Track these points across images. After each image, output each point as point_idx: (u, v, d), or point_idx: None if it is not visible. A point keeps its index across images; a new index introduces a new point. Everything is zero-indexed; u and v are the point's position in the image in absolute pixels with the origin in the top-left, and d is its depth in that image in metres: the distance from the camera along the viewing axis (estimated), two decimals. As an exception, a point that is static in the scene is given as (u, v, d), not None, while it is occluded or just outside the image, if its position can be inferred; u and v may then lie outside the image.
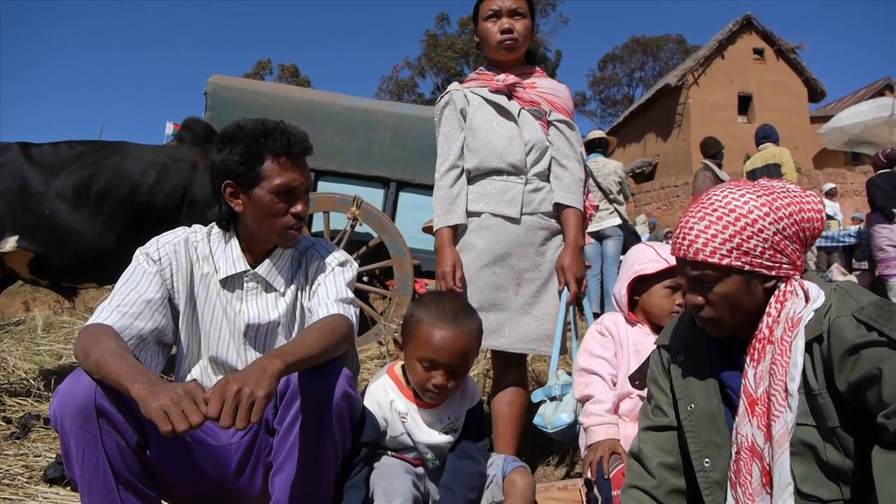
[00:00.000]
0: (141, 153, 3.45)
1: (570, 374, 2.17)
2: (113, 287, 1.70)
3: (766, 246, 1.31)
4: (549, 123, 2.36)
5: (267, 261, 1.76)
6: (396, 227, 4.55)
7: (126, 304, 1.59)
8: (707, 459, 1.41)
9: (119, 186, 3.29)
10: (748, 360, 1.34)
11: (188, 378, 1.75)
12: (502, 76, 2.36)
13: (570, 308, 2.26)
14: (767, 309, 1.33)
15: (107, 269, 3.37)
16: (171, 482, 1.59)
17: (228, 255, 1.75)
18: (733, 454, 1.33)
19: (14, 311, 7.96)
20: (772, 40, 22.55)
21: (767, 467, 1.25)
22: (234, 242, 1.75)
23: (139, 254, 1.71)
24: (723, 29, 22.60)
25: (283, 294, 1.77)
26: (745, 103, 22.33)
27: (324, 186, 4.75)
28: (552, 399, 2.11)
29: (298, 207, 1.70)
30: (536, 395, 2.17)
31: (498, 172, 2.31)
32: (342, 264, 1.80)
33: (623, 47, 38.32)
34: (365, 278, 4.75)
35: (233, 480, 1.68)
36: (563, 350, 2.24)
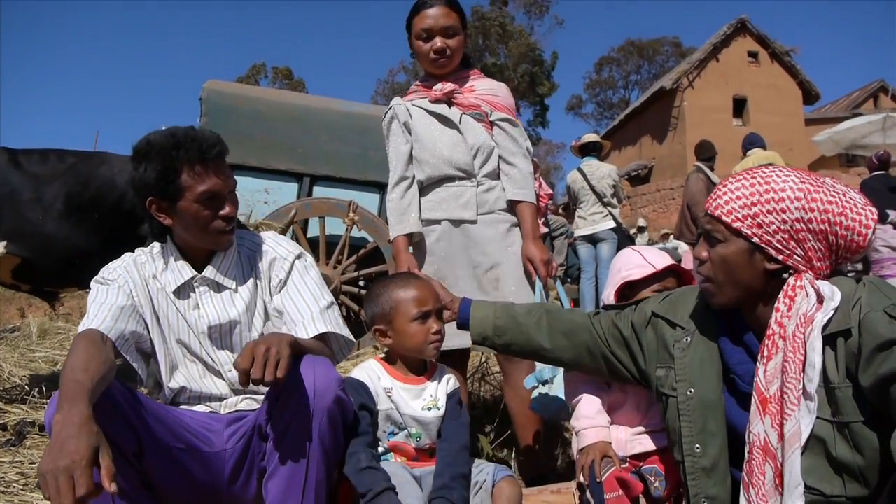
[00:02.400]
0: (125, 164, 3.50)
1: None
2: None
3: (783, 228, 1.29)
4: (492, 124, 2.42)
5: (211, 264, 1.78)
6: (392, 231, 4.55)
7: (102, 310, 1.63)
8: (698, 446, 1.41)
9: (108, 195, 3.38)
10: (759, 357, 1.32)
11: (175, 385, 1.77)
12: (440, 85, 2.42)
13: (545, 294, 2.32)
14: (776, 304, 1.31)
15: (89, 274, 3.44)
16: (167, 490, 1.60)
17: (173, 268, 1.77)
18: (746, 454, 1.32)
19: (9, 318, 7.95)
20: (766, 43, 22.61)
21: (780, 467, 1.24)
22: (176, 254, 1.78)
23: (94, 283, 1.75)
24: (717, 32, 22.67)
25: (237, 291, 1.79)
26: (739, 106, 22.39)
27: (319, 191, 4.76)
28: (544, 383, 2.13)
29: (226, 210, 1.71)
30: (528, 382, 2.19)
31: (449, 179, 2.38)
32: (299, 257, 1.84)
33: (619, 50, 38.45)
34: (361, 282, 4.76)
35: (227, 487, 1.69)
36: None
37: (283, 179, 4.75)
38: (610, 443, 1.80)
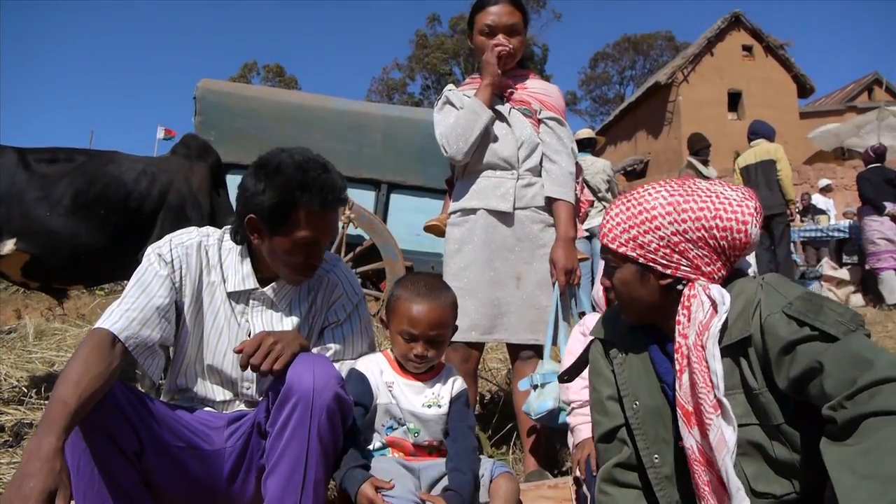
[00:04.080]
0: (133, 163, 3.62)
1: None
2: (99, 290, 1.71)
3: (662, 244, 1.32)
4: (540, 121, 2.41)
5: (275, 283, 1.76)
6: (388, 228, 4.56)
7: (135, 308, 1.57)
8: (656, 456, 1.41)
9: (115, 193, 3.45)
10: (676, 371, 1.33)
11: (182, 383, 1.76)
12: None
13: (570, 300, 2.31)
14: (677, 317, 1.33)
15: (96, 271, 3.56)
16: (166, 489, 1.60)
17: (238, 270, 1.75)
18: (689, 466, 1.32)
19: (6, 319, 7.91)
20: (760, 37, 22.62)
21: (718, 472, 1.24)
22: (247, 259, 1.75)
23: (152, 253, 1.69)
24: (712, 26, 22.67)
25: (290, 314, 1.78)
26: (734, 100, 22.40)
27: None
28: (535, 388, 2.16)
29: (315, 260, 1.69)
30: (522, 385, 2.23)
31: (491, 168, 2.38)
32: (361, 302, 1.87)
33: (614, 45, 38.47)
34: (357, 280, 4.76)
35: (226, 486, 1.69)
36: (555, 341, 2.28)
37: (278, 178, 4.75)
38: (606, 437, 1.81)
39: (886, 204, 7.21)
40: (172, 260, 1.68)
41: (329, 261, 1.86)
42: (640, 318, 1.44)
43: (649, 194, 1.36)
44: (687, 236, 1.31)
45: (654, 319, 1.43)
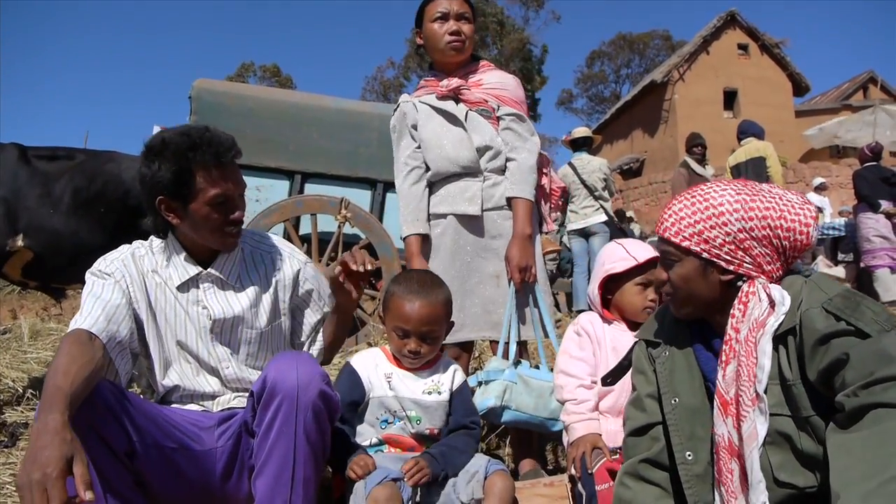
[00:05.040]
0: (132, 162, 3.64)
1: (535, 365, 2.24)
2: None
3: (728, 240, 1.35)
4: (499, 119, 2.40)
5: (216, 261, 1.79)
6: (384, 227, 4.55)
7: (96, 308, 1.60)
8: (689, 453, 1.43)
9: (114, 190, 3.49)
10: (720, 362, 1.37)
11: (168, 383, 1.76)
12: (446, 81, 2.40)
13: (527, 298, 2.32)
14: (732, 311, 1.36)
15: None
16: (160, 489, 1.59)
17: (177, 264, 1.77)
18: (714, 454, 1.36)
19: (1, 319, 7.90)
20: (756, 36, 22.66)
21: (744, 463, 1.28)
22: (179, 250, 1.77)
23: (89, 275, 1.72)
24: (707, 25, 22.72)
25: (243, 289, 1.79)
26: (730, 98, 22.44)
27: (310, 188, 4.75)
28: (480, 384, 2.17)
29: (236, 214, 1.72)
30: (471, 380, 2.23)
31: (456, 176, 2.38)
32: (308, 263, 1.92)
33: (610, 44, 38.44)
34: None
35: (220, 485, 1.68)
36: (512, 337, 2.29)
37: (274, 177, 4.75)
38: (600, 435, 1.82)
39: (882, 202, 7.23)
40: (113, 272, 1.71)
41: (259, 234, 1.91)
42: (693, 312, 1.47)
43: (715, 191, 1.39)
44: (753, 234, 1.34)
45: (706, 314, 1.46)
